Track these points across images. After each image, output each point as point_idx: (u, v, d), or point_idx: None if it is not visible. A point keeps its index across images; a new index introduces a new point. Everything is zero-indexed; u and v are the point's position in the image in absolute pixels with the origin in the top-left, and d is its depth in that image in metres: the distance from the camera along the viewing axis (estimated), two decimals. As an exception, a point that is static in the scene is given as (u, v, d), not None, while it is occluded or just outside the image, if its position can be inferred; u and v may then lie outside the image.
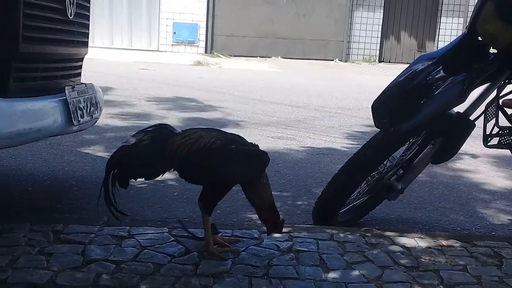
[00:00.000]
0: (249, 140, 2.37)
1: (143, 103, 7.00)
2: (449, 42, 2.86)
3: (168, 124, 2.45)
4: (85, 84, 3.06)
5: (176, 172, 2.36)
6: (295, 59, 14.28)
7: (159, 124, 2.46)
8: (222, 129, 2.47)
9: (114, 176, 2.32)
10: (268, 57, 14.58)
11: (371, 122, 2.88)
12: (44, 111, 2.64)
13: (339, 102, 7.93)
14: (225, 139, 2.31)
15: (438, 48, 2.92)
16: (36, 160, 4.02)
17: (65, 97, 2.74)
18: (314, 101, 7.96)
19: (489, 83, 2.78)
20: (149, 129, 2.40)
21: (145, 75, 9.98)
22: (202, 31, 14.69)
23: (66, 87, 2.78)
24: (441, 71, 2.66)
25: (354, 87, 9.82)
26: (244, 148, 2.31)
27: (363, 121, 6.40)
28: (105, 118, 5.40)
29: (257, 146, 2.36)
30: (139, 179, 2.44)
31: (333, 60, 15.11)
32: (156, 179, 2.43)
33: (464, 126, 2.81)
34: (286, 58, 14.64)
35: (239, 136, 2.40)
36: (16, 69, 2.49)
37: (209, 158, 2.25)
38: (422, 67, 2.70)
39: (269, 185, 2.35)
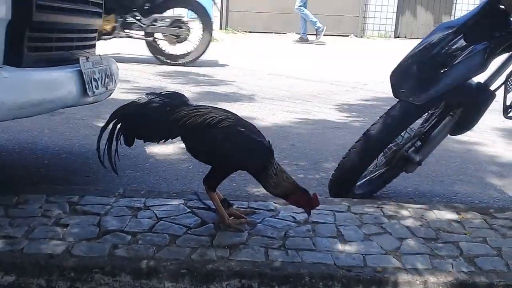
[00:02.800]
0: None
1: (159, 78, 6.99)
2: (469, 11, 2.80)
3: (183, 95, 2.42)
4: (99, 55, 3.04)
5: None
6: (310, 35, 14.16)
7: (175, 92, 2.44)
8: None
9: (118, 130, 2.31)
10: (283, 33, 14.48)
11: (388, 96, 2.83)
12: (59, 81, 2.63)
13: (354, 77, 7.86)
14: (235, 122, 2.26)
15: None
16: (52, 134, 4.03)
17: (79, 68, 2.72)
18: (329, 76, 7.90)
19: (510, 53, 2.72)
20: (163, 93, 2.38)
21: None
22: (217, 7, 14.61)
23: (81, 58, 2.76)
24: (461, 40, 2.60)
25: (369, 62, 9.73)
26: (249, 135, 2.26)
27: (379, 95, 6.34)
28: (121, 93, 5.39)
29: (268, 141, 2.29)
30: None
31: (348, 35, 14.98)
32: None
33: (484, 96, 2.76)
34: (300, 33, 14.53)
35: (253, 126, 2.33)
36: (30, 38, 2.47)
37: (210, 135, 2.22)
38: (441, 36, 2.64)
39: (284, 171, 2.29)
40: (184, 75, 7.32)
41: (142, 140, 2.41)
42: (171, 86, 6.42)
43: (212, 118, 2.23)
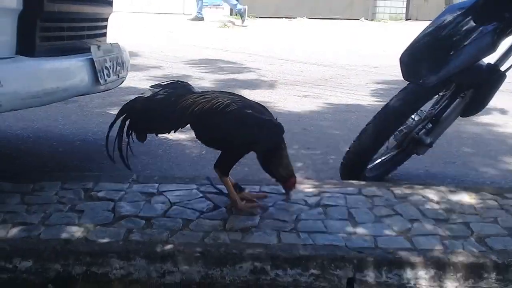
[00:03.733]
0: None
1: (171, 65, 7.01)
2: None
3: (187, 83, 2.43)
4: (111, 43, 3.06)
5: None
6: (320, 19, 14.10)
7: (178, 80, 2.45)
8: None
9: (128, 127, 2.32)
10: (294, 18, 14.40)
11: (399, 79, 2.83)
12: (71, 70, 2.66)
13: (365, 60, 7.84)
14: (241, 104, 2.28)
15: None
16: (66, 122, 4.07)
17: (91, 57, 2.75)
18: (340, 59, 7.88)
19: (520, 33, 2.71)
20: (167, 84, 2.39)
21: (172, 38, 9.95)
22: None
23: (92, 46, 2.79)
24: (471, 21, 2.59)
25: (381, 45, 9.68)
26: (257, 116, 2.27)
27: (390, 78, 6.32)
28: (134, 81, 5.43)
29: (276, 118, 2.33)
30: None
31: (359, 19, 14.88)
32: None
33: (494, 77, 2.75)
34: (311, 18, 14.45)
35: (261, 105, 2.36)
36: (41, 28, 2.49)
37: (219, 120, 2.23)
38: (451, 17, 2.63)
39: (287, 155, 2.37)
40: (197, 62, 7.33)
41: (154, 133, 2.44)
42: (185, 73, 6.43)
43: (219, 102, 2.24)
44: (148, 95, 2.32)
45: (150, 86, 2.38)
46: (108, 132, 2.34)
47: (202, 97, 2.27)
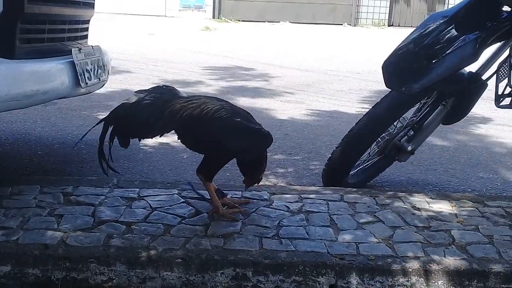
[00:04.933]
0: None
1: (152, 67, 6.98)
2: (461, 1, 2.80)
3: (173, 87, 2.41)
4: (92, 46, 3.03)
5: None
6: (303, 24, 14.14)
7: (164, 85, 2.43)
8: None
9: (112, 133, 2.31)
10: (277, 22, 14.44)
11: (381, 85, 2.84)
12: (51, 72, 2.62)
13: (348, 66, 7.87)
14: (231, 111, 2.27)
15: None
16: (45, 124, 4.02)
17: (72, 59, 2.72)
18: (322, 65, 7.90)
19: (501, 42, 2.73)
20: (152, 88, 2.37)
21: (153, 40, 9.92)
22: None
23: (73, 49, 2.76)
24: (453, 29, 2.60)
25: (363, 51, 9.74)
26: (248, 125, 2.26)
27: (373, 84, 6.35)
28: (113, 83, 5.39)
29: (261, 125, 2.33)
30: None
31: (342, 24, 14.96)
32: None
33: (476, 86, 2.77)
34: (294, 22, 14.51)
35: (247, 112, 2.35)
36: (22, 30, 2.46)
37: (209, 126, 2.22)
38: (434, 26, 2.64)
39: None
40: (179, 64, 7.30)
41: (137, 139, 2.42)
42: (165, 76, 6.41)
43: (208, 108, 2.22)
44: (134, 100, 2.29)
45: (135, 92, 2.35)
46: (100, 146, 2.31)
47: (190, 102, 2.25)
